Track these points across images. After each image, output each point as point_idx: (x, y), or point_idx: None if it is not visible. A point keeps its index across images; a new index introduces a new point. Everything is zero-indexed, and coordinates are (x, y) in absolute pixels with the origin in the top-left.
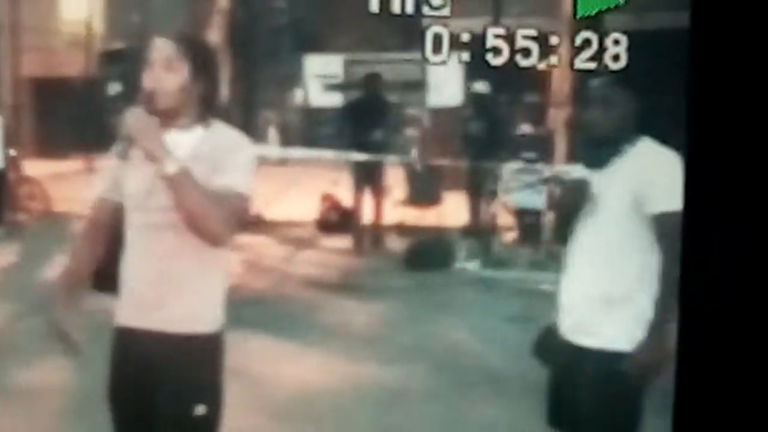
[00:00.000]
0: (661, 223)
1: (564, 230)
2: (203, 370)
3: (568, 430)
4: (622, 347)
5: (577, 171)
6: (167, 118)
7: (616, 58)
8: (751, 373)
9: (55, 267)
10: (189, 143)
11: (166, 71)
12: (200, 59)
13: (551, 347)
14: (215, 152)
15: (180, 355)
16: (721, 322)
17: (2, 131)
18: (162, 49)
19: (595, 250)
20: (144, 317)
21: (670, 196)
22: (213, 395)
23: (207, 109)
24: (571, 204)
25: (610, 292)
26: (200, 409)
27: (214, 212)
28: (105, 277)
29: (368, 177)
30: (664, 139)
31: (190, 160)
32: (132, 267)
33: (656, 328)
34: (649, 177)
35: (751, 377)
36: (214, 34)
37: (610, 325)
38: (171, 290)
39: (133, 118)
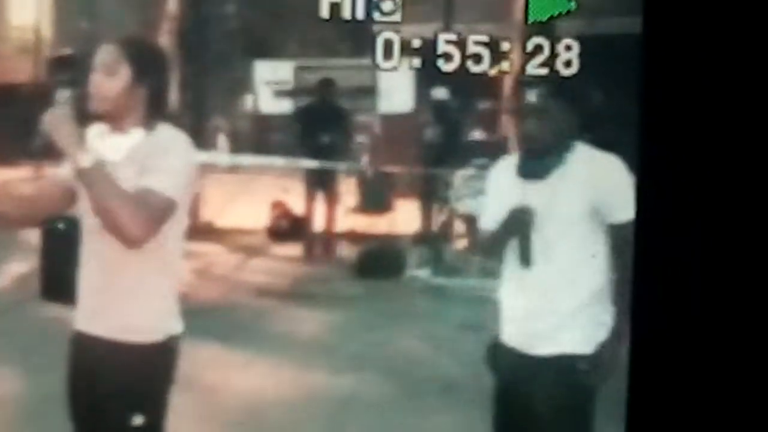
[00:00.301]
0: (620, 231)
1: (502, 248)
2: (144, 380)
3: None
4: (582, 350)
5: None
6: (108, 120)
7: (567, 63)
8: (704, 379)
9: (4, 277)
10: (127, 145)
11: (107, 75)
12: (144, 62)
13: (499, 358)
14: (149, 155)
15: (122, 364)
16: (673, 325)
17: None
18: (105, 53)
19: (547, 260)
20: (92, 323)
21: (628, 205)
22: (154, 406)
23: (152, 112)
24: (515, 233)
25: (568, 300)
26: (137, 420)
27: (128, 211)
28: (56, 285)
29: (320, 184)
30: (613, 144)
31: (124, 163)
32: (83, 271)
33: (615, 332)
34: (605, 186)
35: (703, 383)
36: (164, 40)
37: (569, 332)
38: (116, 297)
39: (50, 116)
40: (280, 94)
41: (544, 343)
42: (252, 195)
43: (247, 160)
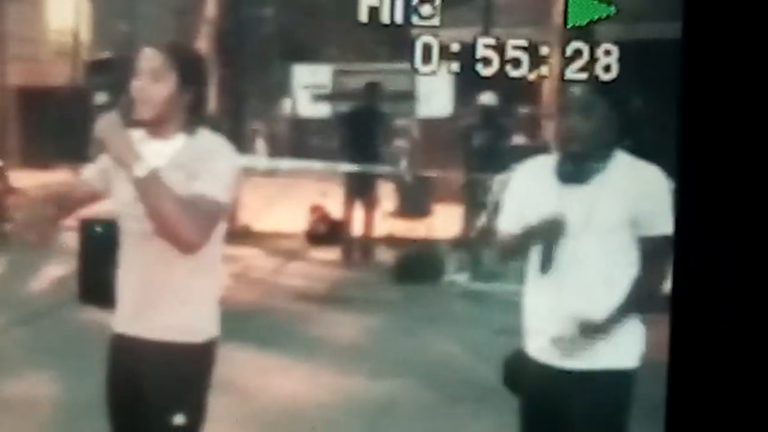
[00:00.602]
0: (656, 244)
1: (523, 253)
2: (185, 380)
3: None
4: (624, 365)
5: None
6: (151, 126)
7: (607, 68)
8: (741, 386)
9: (42, 280)
10: (171, 151)
11: (152, 81)
12: (188, 69)
13: (524, 374)
14: (195, 160)
15: (164, 364)
16: (712, 333)
17: None
18: (150, 59)
19: (583, 269)
20: (134, 325)
21: (667, 219)
22: (194, 406)
23: (193, 117)
24: (544, 240)
25: (600, 311)
26: (179, 419)
27: (184, 218)
28: (93, 288)
29: (359, 188)
30: (652, 150)
31: (170, 168)
32: (123, 274)
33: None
34: (645, 197)
35: (741, 390)
36: (202, 44)
37: (609, 346)
38: (156, 298)
39: (104, 123)
40: (318, 98)
41: (576, 356)
42: (290, 199)
43: (286, 164)
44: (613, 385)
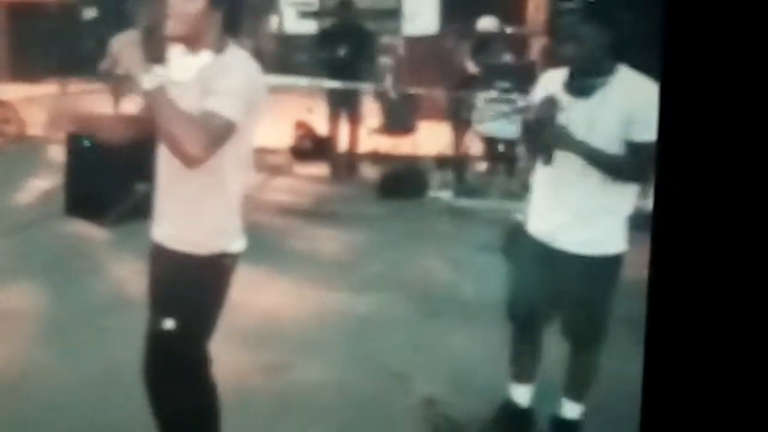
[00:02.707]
0: (642, 150)
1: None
2: (181, 288)
3: (530, 319)
4: (608, 251)
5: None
6: (184, 42)
7: None
8: (723, 301)
9: (29, 192)
10: (197, 66)
11: None
12: None
13: (520, 246)
14: (213, 77)
15: (166, 270)
16: (694, 254)
17: None
18: None
19: (586, 169)
20: (157, 231)
21: (652, 126)
22: (187, 314)
23: (223, 35)
24: (542, 120)
25: (600, 204)
26: (168, 324)
27: (188, 132)
28: (79, 201)
29: (343, 104)
30: (641, 67)
31: (193, 83)
32: (157, 183)
33: None
34: (634, 106)
35: (723, 303)
36: None
37: (598, 232)
38: (173, 209)
39: (121, 39)
40: (304, 14)
41: (565, 237)
42: (276, 115)
43: (272, 80)
44: (600, 268)
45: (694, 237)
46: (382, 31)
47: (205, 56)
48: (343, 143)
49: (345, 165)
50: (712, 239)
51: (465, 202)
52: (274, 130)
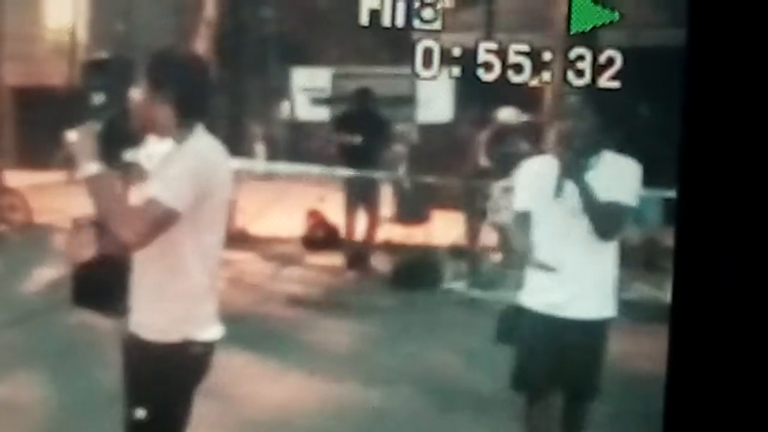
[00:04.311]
0: (608, 204)
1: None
2: (149, 377)
3: (532, 391)
4: (605, 315)
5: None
6: (146, 129)
7: (610, 75)
8: (741, 399)
9: (36, 281)
10: (160, 154)
11: (137, 89)
12: (162, 75)
13: (518, 325)
14: (168, 164)
15: (135, 359)
16: (712, 343)
17: None
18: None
19: (580, 242)
20: (129, 320)
21: (626, 192)
22: (159, 403)
23: (183, 121)
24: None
25: (594, 273)
26: (140, 414)
27: (122, 218)
28: (85, 291)
29: (360, 193)
30: (656, 156)
31: (155, 171)
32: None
33: None
34: (617, 179)
35: (740, 402)
36: (200, 45)
37: (594, 299)
38: (138, 295)
39: (75, 132)
40: (317, 101)
41: (567, 308)
42: (287, 203)
43: (284, 167)
44: (598, 331)
45: (713, 330)
46: (395, 118)
47: (167, 144)
48: (356, 233)
49: (358, 255)
50: (730, 336)
51: (479, 293)
52: (285, 219)
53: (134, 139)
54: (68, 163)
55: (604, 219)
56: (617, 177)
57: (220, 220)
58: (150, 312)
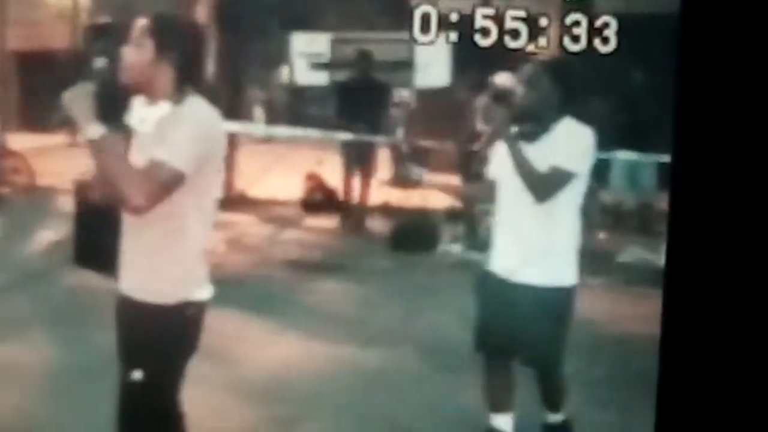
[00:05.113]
0: (556, 173)
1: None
2: (147, 338)
3: (495, 353)
4: (559, 283)
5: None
6: (142, 92)
7: (605, 40)
8: (734, 359)
9: (38, 243)
10: (155, 117)
11: (135, 48)
12: (168, 36)
13: (486, 287)
14: (169, 127)
15: (132, 321)
16: (706, 304)
17: None
18: (136, 27)
19: (533, 209)
20: (122, 282)
21: (575, 160)
22: (156, 365)
23: (180, 85)
24: (481, 199)
25: (550, 240)
26: (136, 375)
27: (130, 181)
28: (88, 252)
29: (358, 157)
30: (650, 123)
31: (152, 134)
32: (123, 235)
33: None
34: (561, 146)
35: (733, 362)
36: (200, 11)
37: (551, 266)
38: (134, 259)
39: (72, 91)
40: (316, 66)
41: (523, 272)
42: (286, 166)
43: (282, 131)
44: (555, 298)
45: (707, 292)
46: (394, 82)
47: (163, 107)
48: (353, 196)
49: (355, 218)
50: (724, 297)
51: (476, 256)
52: (284, 182)
53: (127, 101)
54: (64, 124)
55: (539, 183)
56: (566, 143)
57: (217, 183)
58: (147, 275)
